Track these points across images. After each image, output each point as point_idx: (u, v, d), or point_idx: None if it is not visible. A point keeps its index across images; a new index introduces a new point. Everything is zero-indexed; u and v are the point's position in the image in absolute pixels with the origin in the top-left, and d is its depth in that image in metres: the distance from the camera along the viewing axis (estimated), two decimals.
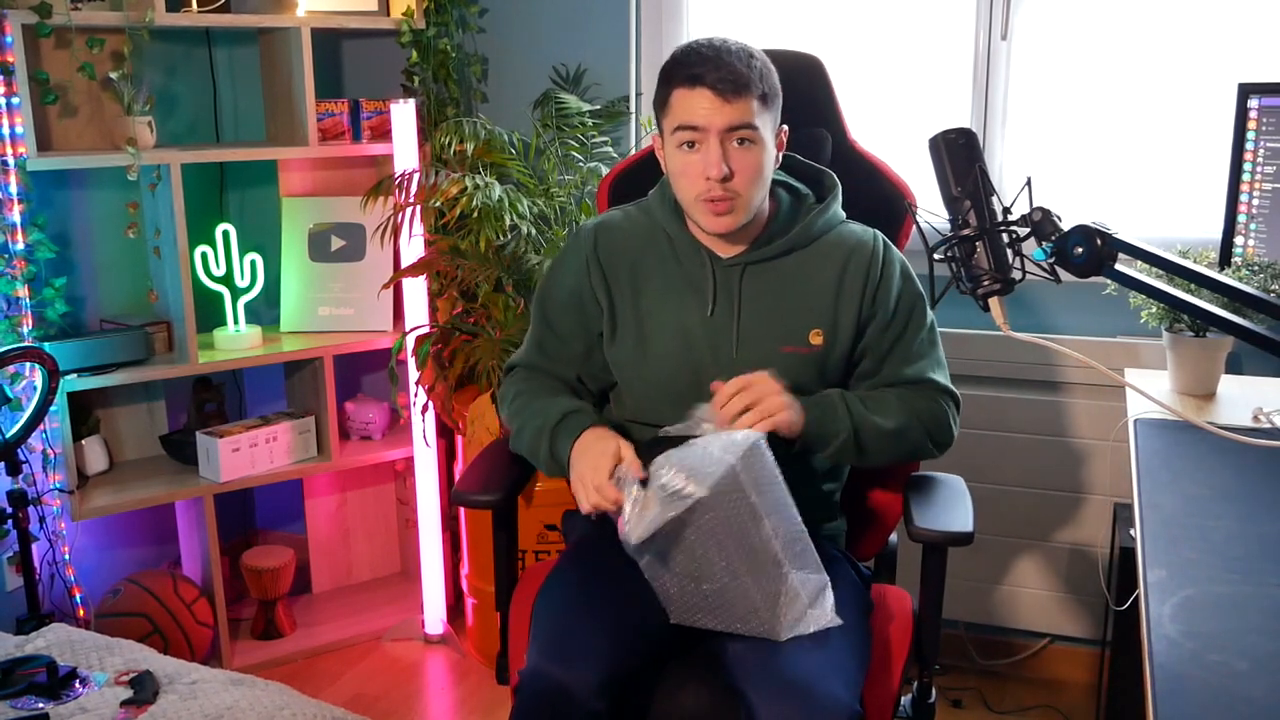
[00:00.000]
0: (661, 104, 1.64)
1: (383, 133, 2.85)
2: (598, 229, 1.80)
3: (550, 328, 1.82)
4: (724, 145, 1.59)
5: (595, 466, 1.56)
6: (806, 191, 1.78)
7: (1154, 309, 2.10)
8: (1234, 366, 2.28)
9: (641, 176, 1.95)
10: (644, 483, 1.50)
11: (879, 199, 1.94)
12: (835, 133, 1.99)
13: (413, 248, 2.76)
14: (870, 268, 1.70)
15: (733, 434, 1.49)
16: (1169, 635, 1.16)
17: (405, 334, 2.73)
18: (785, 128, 1.69)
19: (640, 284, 1.74)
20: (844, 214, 1.78)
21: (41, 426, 2.42)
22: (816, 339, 1.69)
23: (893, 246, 1.76)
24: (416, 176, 2.56)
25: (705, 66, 1.57)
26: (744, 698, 1.45)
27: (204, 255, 2.75)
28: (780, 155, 1.70)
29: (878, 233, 1.76)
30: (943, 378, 1.73)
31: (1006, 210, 1.44)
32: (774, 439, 1.53)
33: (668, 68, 1.63)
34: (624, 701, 1.50)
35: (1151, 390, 1.83)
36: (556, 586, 1.67)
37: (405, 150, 2.76)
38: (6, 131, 2.38)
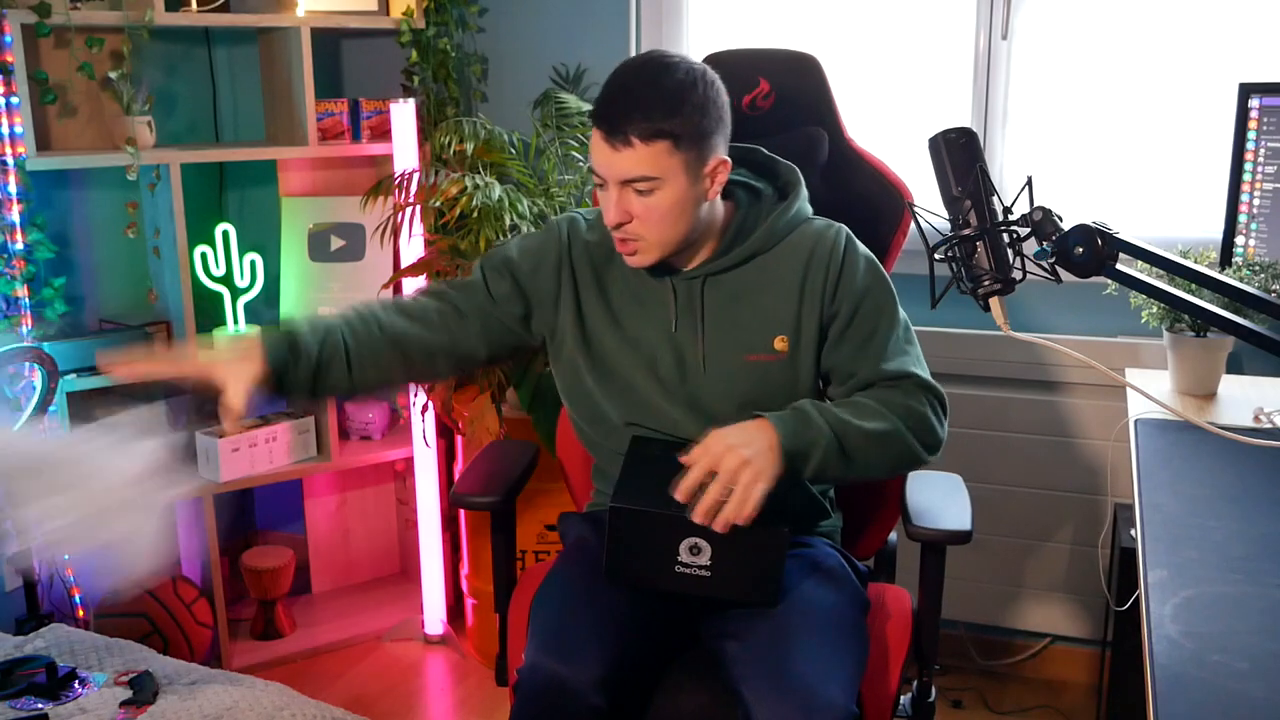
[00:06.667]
0: None
1: (382, 132, 2.84)
2: (571, 226, 1.73)
3: (479, 279, 1.72)
4: (622, 191, 1.54)
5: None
6: (766, 190, 1.71)
7: (1154, 309, 2.10)
8: (1234, 366, 2.28)
9: None
10: None
11: (877, 198, 1.94)
12: (832, 132, 1.99)
13: (412, 248, 2.76)
14: (830, 263, 1.63)
15: None
16: (1170, 635, 1.15)
17: None
18: (727, 160, 1.58)
19: (605, 290, 1.70)
20: (810, 209, 1.71)
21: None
22: (781, 344, 1.64)
23: (857, 242, 1.67)
24: (416, 176, 2.56)
25: (611, 107, 1.51)
26: (741, 698, 1.44)
27: (204, 255, 2.75)
28: (719, 186, 1.60)
29: (841, 227, 1.68)
30: (924, 373, 1.64)
31: (1007, 210, 1.44)
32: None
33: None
34: (623, 698, 1.49)
35: (1152, 390, 1.82)
36: (554, 585, 1.66)
37: (405, 150, 2.76)
38: (6, 131, 2.38)
